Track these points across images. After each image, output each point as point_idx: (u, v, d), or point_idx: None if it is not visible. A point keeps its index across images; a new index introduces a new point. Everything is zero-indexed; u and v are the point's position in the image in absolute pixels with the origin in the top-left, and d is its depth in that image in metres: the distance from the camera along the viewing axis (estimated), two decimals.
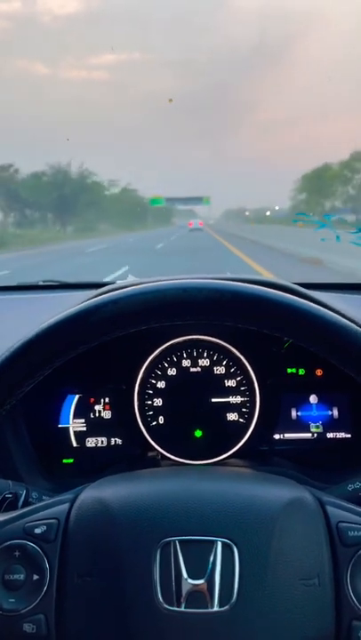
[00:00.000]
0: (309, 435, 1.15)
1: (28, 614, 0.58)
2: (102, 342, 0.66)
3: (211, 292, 0.63)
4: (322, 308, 0.64)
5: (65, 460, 1.15)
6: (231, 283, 0.64)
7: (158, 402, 1.13)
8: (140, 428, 1.12)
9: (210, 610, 0.56)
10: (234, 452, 1.11)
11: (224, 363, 1.13)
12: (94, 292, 1.00)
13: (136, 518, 0.60)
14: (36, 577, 0.59)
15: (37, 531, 0.61)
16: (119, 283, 1.07)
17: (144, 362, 1.12)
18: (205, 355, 1.14)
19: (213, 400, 1.13)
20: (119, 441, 1.15)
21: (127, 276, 1.21)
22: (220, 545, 0.58)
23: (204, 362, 1.14)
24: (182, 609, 0.56)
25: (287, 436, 1.15)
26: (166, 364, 1.13)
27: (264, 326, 0.64)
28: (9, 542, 0.60)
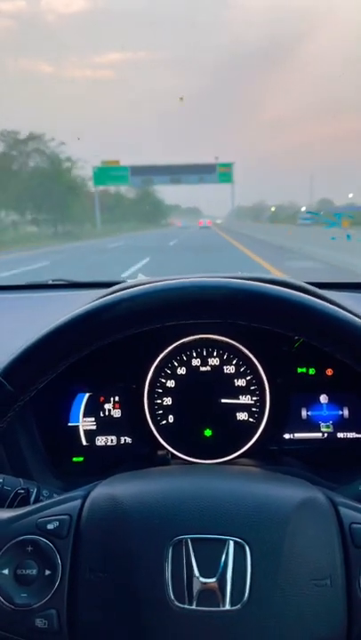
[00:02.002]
0: (320, 434, 1.14)
1: (40, 609, 0.58)
2: (115, 340, 0.66)
3: (226, 291, 0.63)
4: (335, 307, 0.64)
5: (75, 459, 1.15)
6: (246, 282, 0.64)
7: (168, 401, 1.13)
8: (149, 427, 1.12)
9: (221, 609, 0.56)
10: (244, 452, 1.11)
11: (234, 362, 1.13)
12: (104, 291, 1.00)
13: (148, 516, 0.60)
14: (48, 572, 0.60)
15: (50, 526, 0.61)
16: (130, 281, 1.07)
17: (154, 361, 1.12)
18: (215, 354, 1.14)
19: (223, 399, 1.13)
20: (129, 440, 1.16)
21: (137, 275, 1.21)
22: (232, 544, 0.58)
23: (214, 361, 1.14)
24: (194, 607, 0.56)
25: (297, 435, 1.14)
26: (176, 363, 1.13)
27: (278, 325, 0.64)
28: (21, 537, 0.61)
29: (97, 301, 0.65)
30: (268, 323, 0.64)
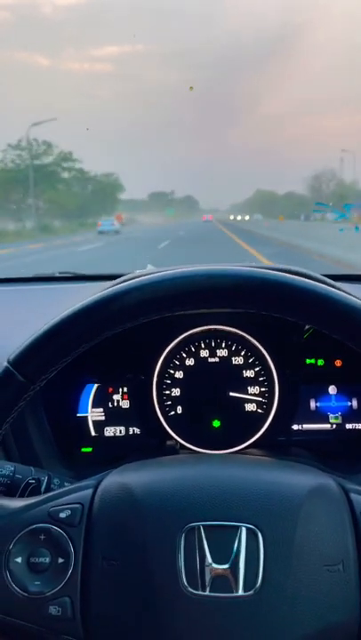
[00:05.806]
0: (328, 425, 1.14)
1: (54, 597, 0.59)
2: (124, 331, 0.65)
3: (236, 279, 0.63)
4: (346, 295, 0.63)
5: (84, 449, 1.16)
6: (256, 269, 0.64)
7: (176, 392, 1.13)
8: (158, 418, 1.12)
9: (234, 594, 0.57)
10: (252, 443, 1.11)
11: (243, 353, 1.13)
12: (111, 282, 1.00)
13: (160, 504, 0.60)
14: (61, 560, 0.60)
15: (62, 515, 0.61)
16: (139, 272, 1.07)
17: (162, 352, 1.12)
18: (224, 345, 1.14)
19: (232, 390, 1.13)
20: (137, 430, 1.16)
21: (146, 266, 1.20)
22: (244, 530, 0.58)
23: (223, 352, 1.14)
24: (207, 593, 0.57)
25: (306, 426, 1.14)
26: (185, 355, 1.13)
27: (289, 313, 0.63)
28: (34, 526, 0.61)
29: (107, 290, 0.65)
30: (278, 310, 0.63)
